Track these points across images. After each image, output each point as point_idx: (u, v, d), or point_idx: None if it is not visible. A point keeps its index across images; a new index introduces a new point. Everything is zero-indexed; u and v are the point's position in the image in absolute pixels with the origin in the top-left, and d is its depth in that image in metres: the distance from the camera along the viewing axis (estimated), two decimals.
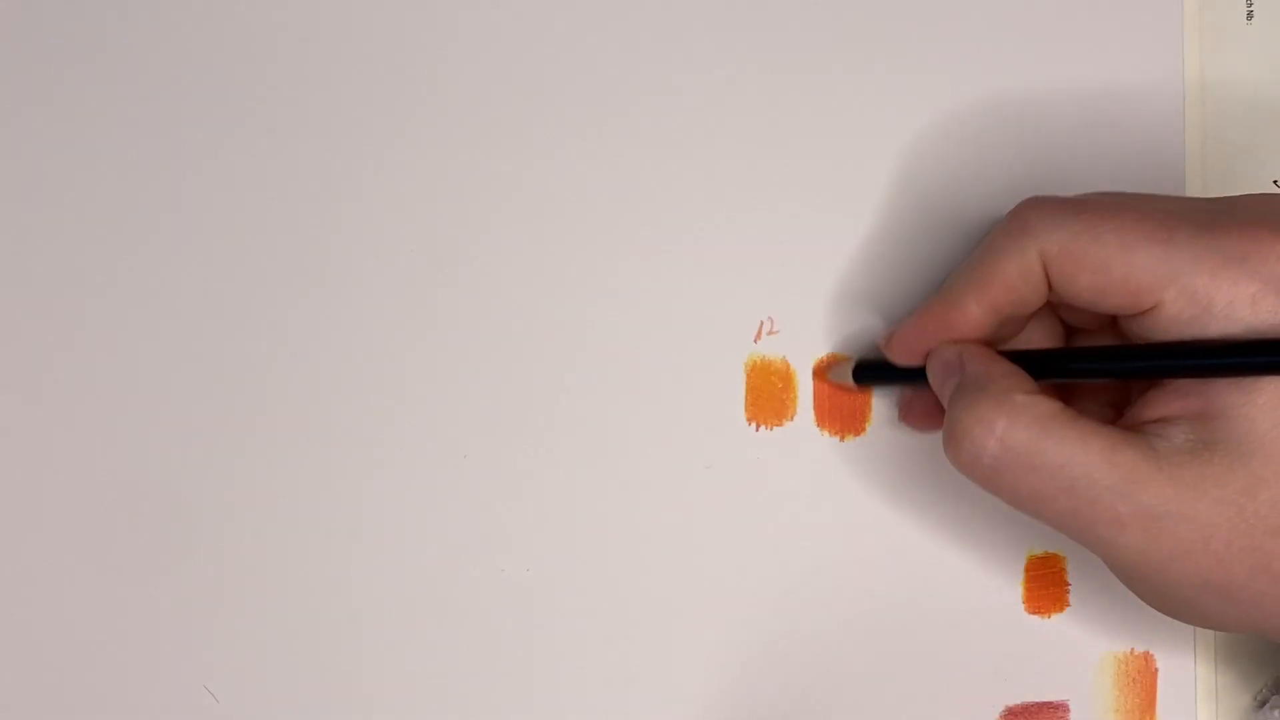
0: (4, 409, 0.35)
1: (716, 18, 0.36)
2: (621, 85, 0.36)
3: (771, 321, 0.36)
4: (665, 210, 0.36)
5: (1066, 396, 0.32)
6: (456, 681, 0.35)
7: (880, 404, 0.36)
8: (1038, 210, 0.31)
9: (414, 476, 0.35)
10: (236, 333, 0.35)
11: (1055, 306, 0.34)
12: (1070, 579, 0.37)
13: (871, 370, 0.35)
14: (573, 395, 0.36)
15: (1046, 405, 0.30)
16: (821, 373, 0.36)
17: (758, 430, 0.36)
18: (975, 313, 0.32)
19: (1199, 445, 0.29)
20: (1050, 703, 0.36)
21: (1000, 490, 0.30)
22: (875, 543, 0.36)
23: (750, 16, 0.36)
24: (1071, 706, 0.37)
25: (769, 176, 0.36)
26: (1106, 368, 0.31)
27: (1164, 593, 0.30)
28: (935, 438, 0.36)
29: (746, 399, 0.36)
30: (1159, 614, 0.36)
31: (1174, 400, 0.30)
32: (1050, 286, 0.31)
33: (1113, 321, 0.33)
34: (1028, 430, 0.29)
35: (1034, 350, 0.32)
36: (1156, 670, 0.37)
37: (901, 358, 0.33)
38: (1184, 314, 0.29)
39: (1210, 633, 0.37)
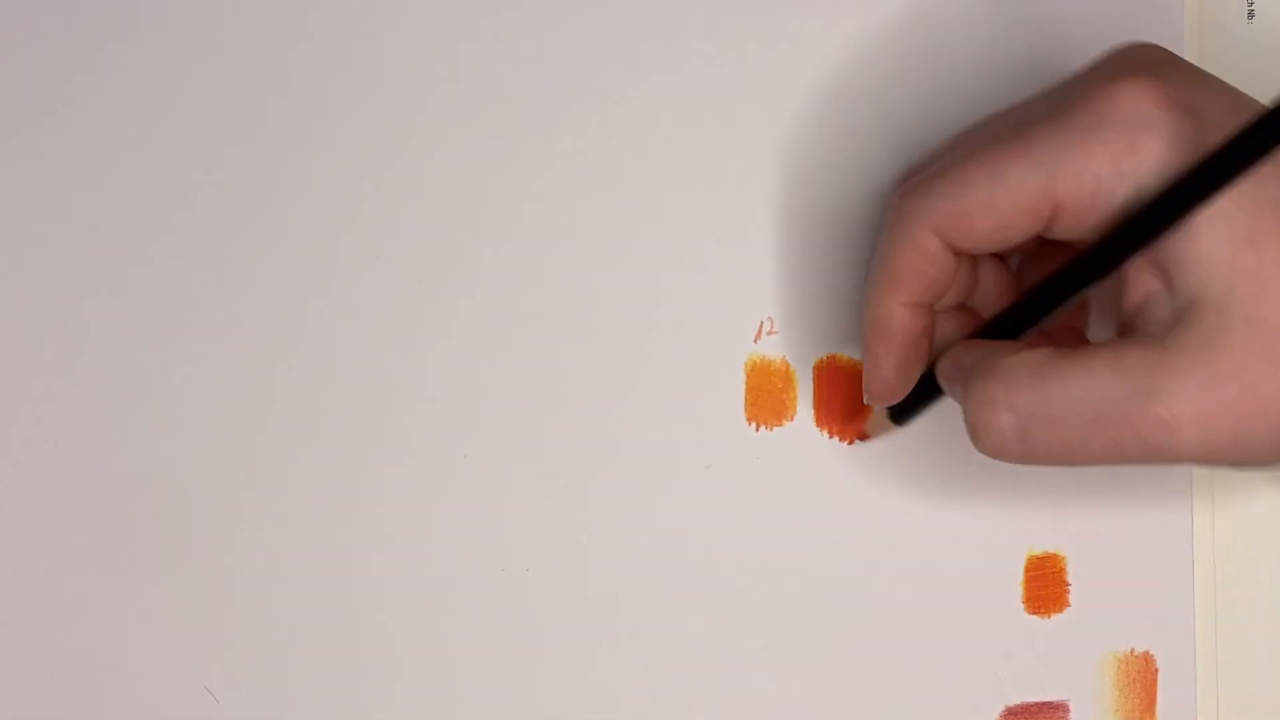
0: (8, 409, 0.35)
1: (715, 18, 0.36)
2: (622, 87, 0.36)
3: (771, 321, 0.36)
4: (665, 210, 0.36)
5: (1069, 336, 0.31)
6: (456, 681, 0.35)
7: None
8: (907, 195, 0.30)
9: (414, 476, 0.35)
10: (236, 334, 0.35)
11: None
12: (1070, 579, 0.37)
13: (902, 408, 0.34)
14: (573, 395, 0.36)
15: (1036, 354, 0.29)
16: (867, 437, 0.36)
17: (758, 430, 0.36)
18: (904, 314, 0.31)
19: (1184, 307, 0.28)
20: (1050, 703, 0.36)
21: (1041, 456, 0.29)
22: (875, 543, 0.36)
23: (749, 17, 0.36)
24: (1071, 706, 0.36)
25: (769, 176, 0.36)
26: (1062, 292, 0.30)
27: (1255, 459, 0.28)
28: (935, 439, 0.36)
29: (746, 399, 0.36)
30: (1159, 614, 0.36)
31: (1137, 282, 0.29)
32: (956, 253, 0.30)
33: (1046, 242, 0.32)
34: (1028, 385, 0.29)
35: (1005, 310, 0.32)
36: (1157, 670, 0.37)
37: (888, 398, 0.33)
38: (1085, 201, 0.28)
39: (1211, 632, 0.37)
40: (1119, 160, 0.28)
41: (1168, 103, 0.28)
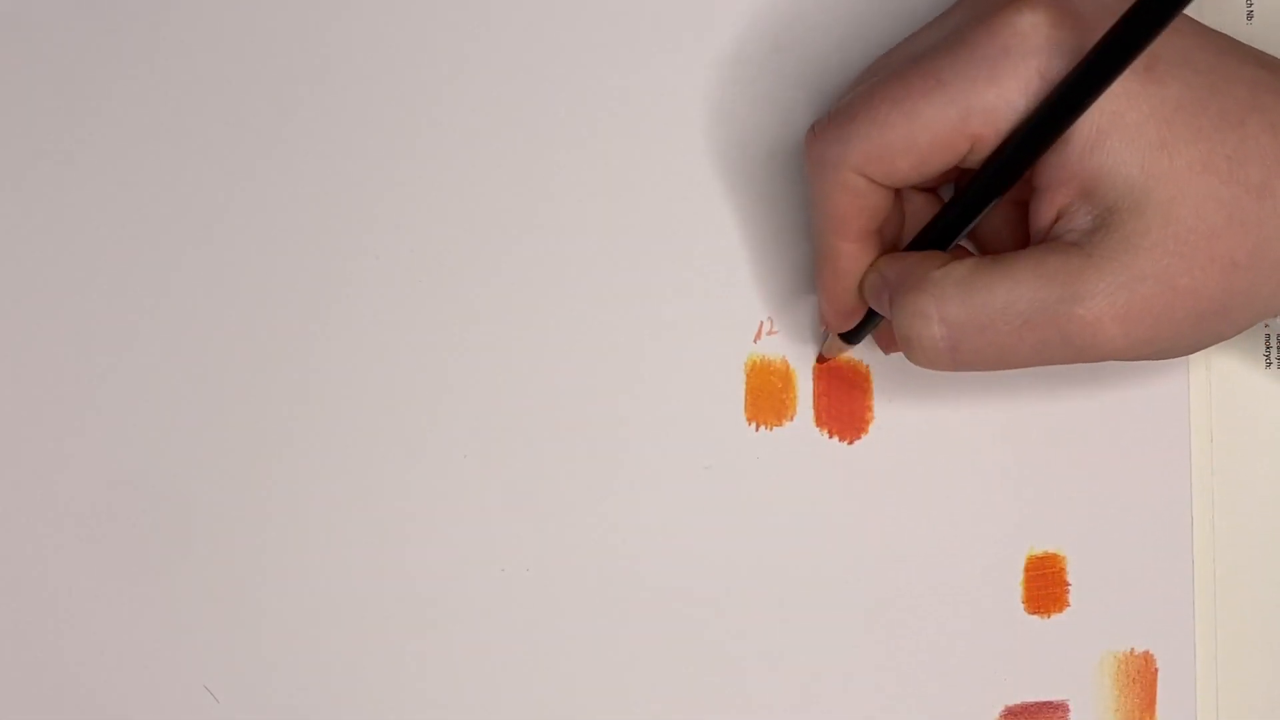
0: (12, 409, 0.35)
1: (716, 17, 0.36)
2: (620, 85, 0.36)
3: (771, 322, 0.36)
4: (665, 210, 0.36)
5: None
6: (456, 681, 0.35)
7: (880, 404, 0.36)
8: (821, 141, 0.31)
9: (414, 476, 0.35)
10: (236, 334, 0.35)
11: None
12: (1070, 578, 0.37)
13: (855, 330, 0.34)
14: (572, 395, 0.36)
15: (961, 266, 0.30)
16: (826, 361, 0.36)
17: (757, 430, 0.36)
18: (853, 248, 0.32)
19: (1103, 215, 0.29)
20: (1050, 702, 0.36)
21: (972, 363, 0.30)
22: (874, 543, 0.36)
23: (748, 15, 0.37)
24: (1071, 706, 0.37)
25: (769, 175, 0.36)
26: (974, 205, 0.31)
27: (1175, 350, 0.30)
28: (934, 439, 0.36)
29: (746, 399, 0.36)
30: (1159, 613, 0.36)
31: (1055, 194, 0.30)
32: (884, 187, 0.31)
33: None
34: (957, 296, 0.29)
35: (932, 222, 0.32)
36: (1156, 670, 0.37)
37: (845, 324, 0.34)
38: (1003, 131, 0.29)
39: (1211, 631, 0.37)
40: (1029, 87, 0.28)
41: (1068, 22, 0.28)
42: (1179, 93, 0.29)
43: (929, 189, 0.34)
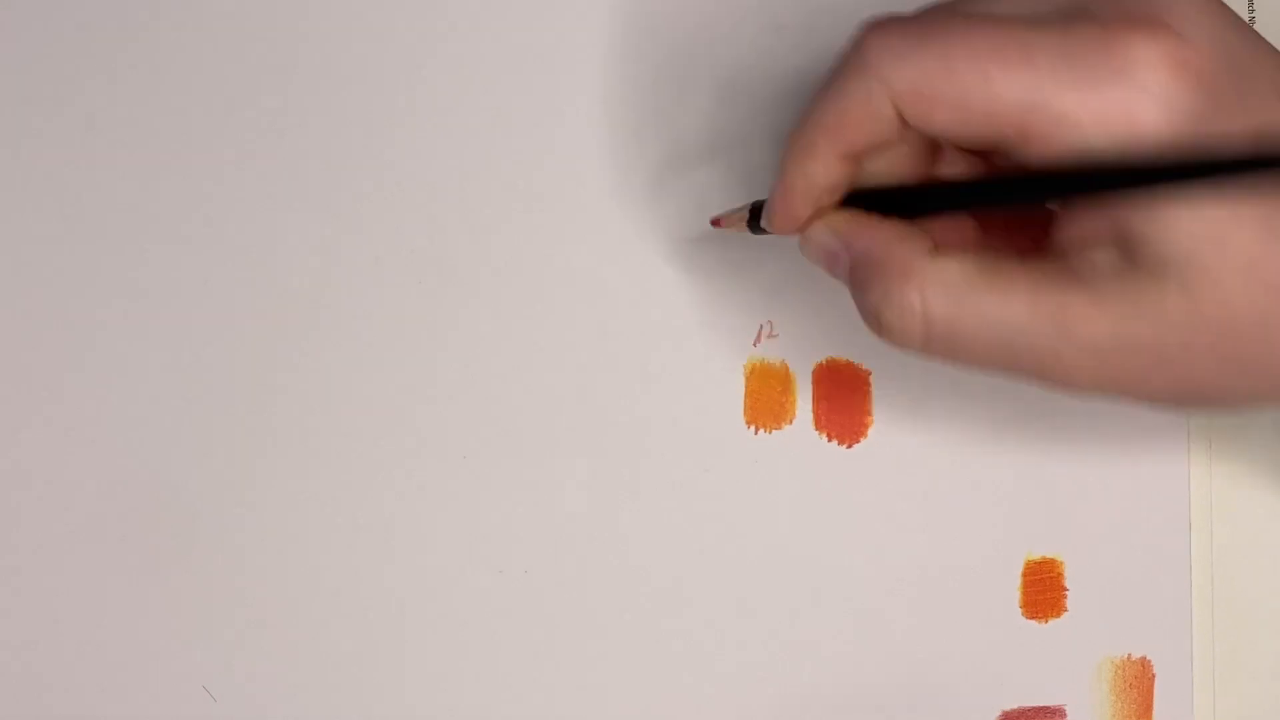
0: (13, 409, 0.35)
1: (724, 20, 0.36)
2: (622, 85, 0.36)
3: (771, 325, 0.36)
4: (665, 212, 0.36)
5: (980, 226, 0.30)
6: (455, 682, 0.36)
7: (879, 408, 0.36)
8: (879, 44, 0.28)
9: (413, 477, 0.36)
10: (236, 334, 0.35)
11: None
12: (1068, 584, 0.37)
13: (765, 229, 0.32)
14: (573, 397, 0.36)
15: (954, 268, 0.28)
16: (720, 223, 0.34)
17: (756, 434, 0.36)
18: (832, 159, 0.29)
19: (1124, 267, 0.27)
20: (1047, 707, 0.37)
21: (938, 357, 0.29)
22: (872, 547, 0.36)
23: (759, 12, 0.36)
24: (1068, 711, 0.37)
25: (771, 176, 0.36)
26: (982, 200, 0.29)
27: (1151, 403, 0.29)
28: (934, 442, 0.36)
29: (745, 402, 0.36)
30: (1157, 619, 0.36)
31: (1090, 220, 0.28)
32: (904, 122, 0.28)
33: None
34: (944, 301, 0.28)
35: (902, 186, 0.30)
36: (1154, 675, 0.37)
37: (788, 229, 0.31)
38: (1054, 137, 0.27)
39: (1209, 637, 0.37)
40: (1110, 119, 0.26)
41: (1186, 74, 0.26)
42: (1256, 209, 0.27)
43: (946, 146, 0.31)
